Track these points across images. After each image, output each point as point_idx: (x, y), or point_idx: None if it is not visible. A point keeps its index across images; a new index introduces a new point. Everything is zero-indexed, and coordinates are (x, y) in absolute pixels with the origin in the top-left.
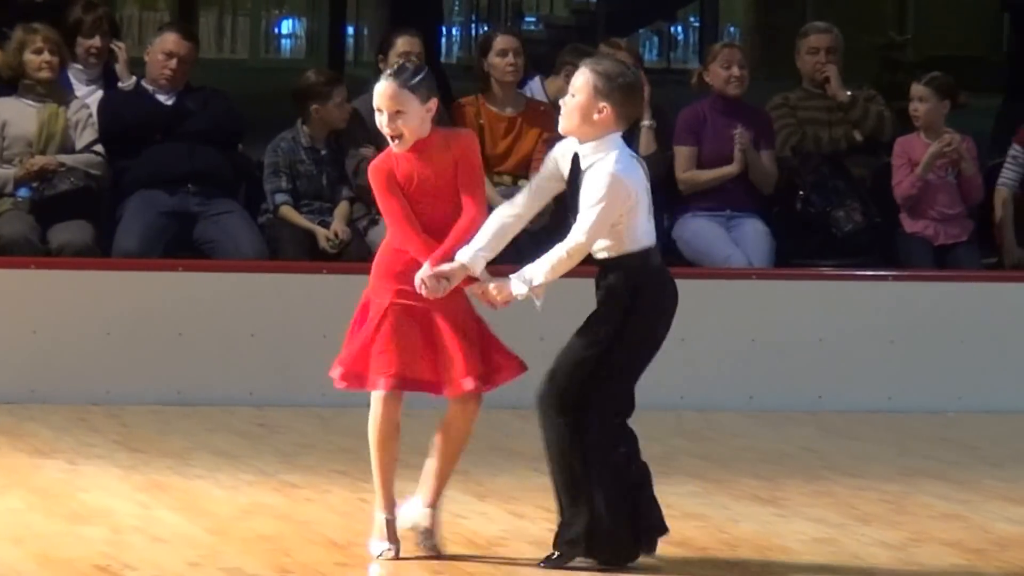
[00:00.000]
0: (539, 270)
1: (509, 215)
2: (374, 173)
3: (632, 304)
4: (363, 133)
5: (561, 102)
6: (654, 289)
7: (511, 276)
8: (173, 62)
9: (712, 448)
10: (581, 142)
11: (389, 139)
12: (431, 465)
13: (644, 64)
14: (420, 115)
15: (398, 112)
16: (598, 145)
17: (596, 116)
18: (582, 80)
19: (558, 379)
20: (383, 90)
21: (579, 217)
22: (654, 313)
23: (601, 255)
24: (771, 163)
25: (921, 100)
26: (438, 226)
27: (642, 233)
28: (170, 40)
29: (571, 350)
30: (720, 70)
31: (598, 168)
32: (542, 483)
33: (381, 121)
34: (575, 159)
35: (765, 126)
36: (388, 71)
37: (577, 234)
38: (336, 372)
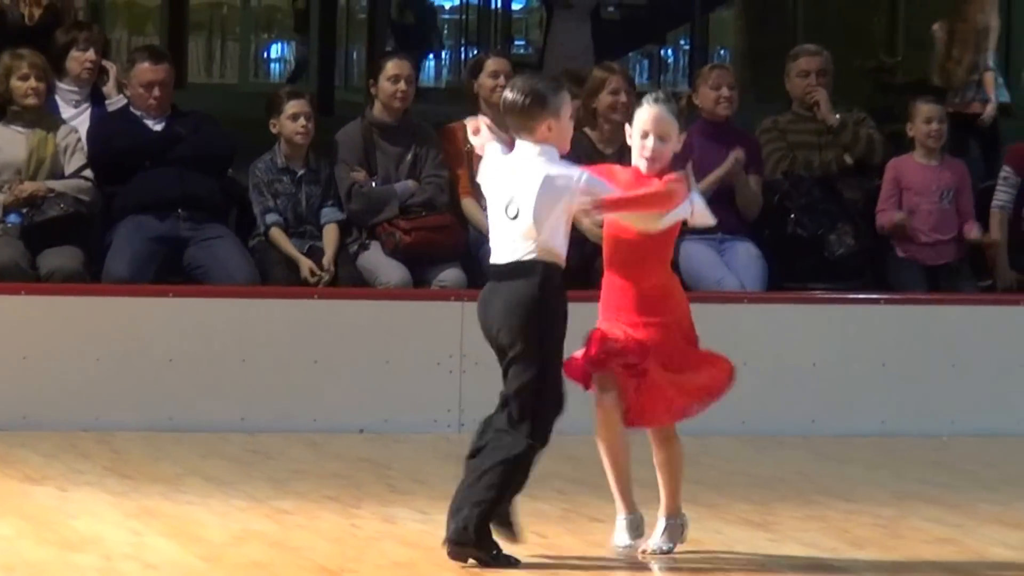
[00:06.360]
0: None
1: None
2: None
3: None
4: (353, 156)
5: (644, 144)
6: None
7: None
8: (155, 90)
9: (705, 472)
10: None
11: (644, 161)
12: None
13: (636, 87)
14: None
15: (661, 137)
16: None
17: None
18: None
19: None
20: (655, 114)
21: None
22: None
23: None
24: (757, 188)
25: (928, 121)
26: None
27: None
28: (145, 71)
29: None
30: (709, 91)
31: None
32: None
33: (646, 144)
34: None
35: (753, 151)
36: (654, 96)
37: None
38: None
